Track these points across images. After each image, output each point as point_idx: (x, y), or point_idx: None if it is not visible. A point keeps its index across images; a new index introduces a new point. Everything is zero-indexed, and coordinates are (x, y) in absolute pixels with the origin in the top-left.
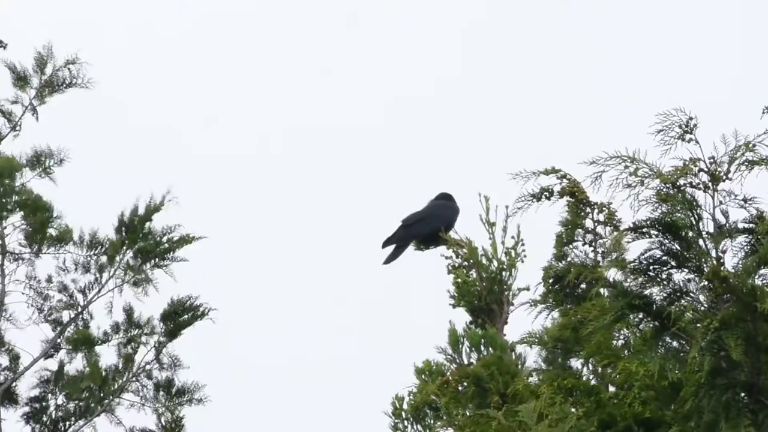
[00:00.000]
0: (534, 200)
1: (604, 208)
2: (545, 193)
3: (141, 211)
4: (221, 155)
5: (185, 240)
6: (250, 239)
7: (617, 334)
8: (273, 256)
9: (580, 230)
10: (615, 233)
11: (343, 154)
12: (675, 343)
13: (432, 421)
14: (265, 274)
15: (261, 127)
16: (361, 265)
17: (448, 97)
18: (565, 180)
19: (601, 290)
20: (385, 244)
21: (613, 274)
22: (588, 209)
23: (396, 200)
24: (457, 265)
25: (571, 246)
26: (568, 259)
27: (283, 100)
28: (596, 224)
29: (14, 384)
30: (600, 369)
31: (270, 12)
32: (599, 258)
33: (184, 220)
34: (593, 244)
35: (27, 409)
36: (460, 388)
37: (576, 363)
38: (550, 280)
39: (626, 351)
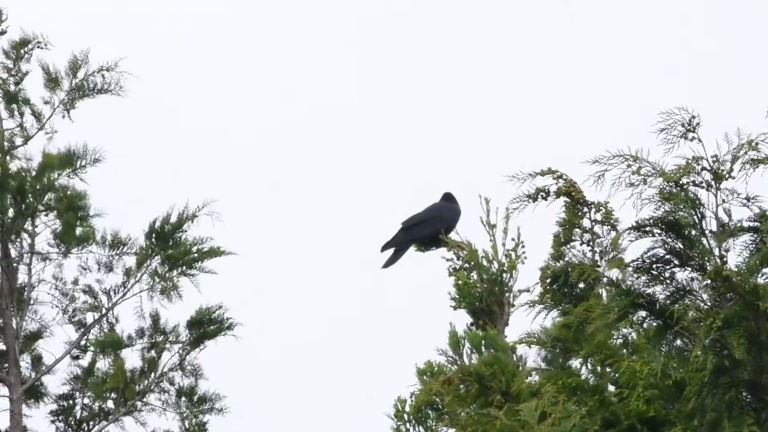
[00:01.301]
0: (530, 201)
1: (601, 208)
2: (541, 193)
3: (173, 219)
4: (220, 155)
5: (215, 252)
6: (249, 242)
7: (615, 333)
8: (273, 260)
9: (577, 230)
10: (614, 233)
11: (341, 155)
12: (678, 342)
13: (433, 423)
14: (265, 277)
15: (260, 126)
16: (363, 267)
17: (448, 97)
18: (561, 180)
19: (599, 290)
20: (385, 248)
21: (615, 273)
22: (585, 209)
23: (397, 202)
24: (457, 267)
25: (568, 246)
26: (566, 258)
27: (282, 99)
28: (594, 224)
29: (37, 383)
30: (599, 368)
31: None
32: (597, 257)
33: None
34: (591, 243)
35: (55, 406)
36: (461, 387)
37: (575, 362)
38: (548, 280)
39: (624, 350)
